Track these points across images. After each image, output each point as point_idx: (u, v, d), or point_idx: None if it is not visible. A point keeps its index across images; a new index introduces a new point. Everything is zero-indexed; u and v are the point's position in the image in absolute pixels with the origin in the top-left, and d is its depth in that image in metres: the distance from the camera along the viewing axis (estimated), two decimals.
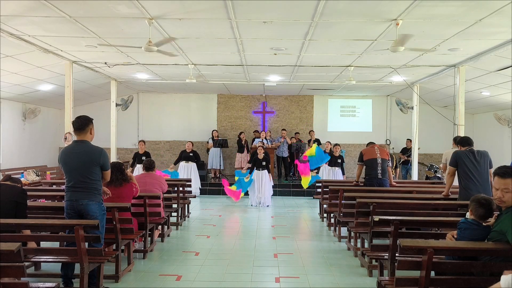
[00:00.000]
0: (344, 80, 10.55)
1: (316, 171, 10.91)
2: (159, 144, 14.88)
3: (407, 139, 13.28)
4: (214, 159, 13.29)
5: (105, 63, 9.18)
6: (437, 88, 11.54)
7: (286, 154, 13.41)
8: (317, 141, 13.28)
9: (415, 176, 11.49)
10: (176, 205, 7.68)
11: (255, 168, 10.10)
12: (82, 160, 4.13)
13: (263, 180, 10.01)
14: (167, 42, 7.07)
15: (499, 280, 2.41)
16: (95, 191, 4.20)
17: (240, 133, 13.65)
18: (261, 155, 10.03)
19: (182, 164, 11.27)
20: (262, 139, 12.66)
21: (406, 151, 13.05)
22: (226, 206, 10.06)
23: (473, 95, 11.12)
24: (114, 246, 4.87)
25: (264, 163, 10.05)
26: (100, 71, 10.24)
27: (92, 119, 4.29)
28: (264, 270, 5.15)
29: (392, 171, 9.15)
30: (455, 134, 8.92)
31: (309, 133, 13.92)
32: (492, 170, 5.44)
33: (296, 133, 14.16)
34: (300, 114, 15.01)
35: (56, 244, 5.47)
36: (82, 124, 4.20)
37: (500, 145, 12.36)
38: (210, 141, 13.42)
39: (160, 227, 6.48)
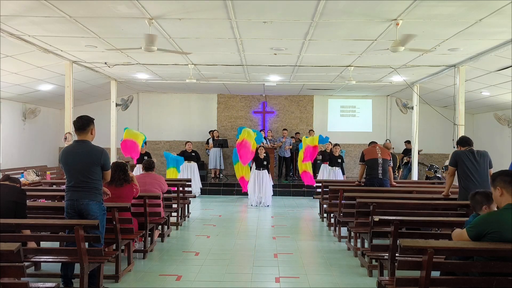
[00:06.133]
0: (344, 80, 10.55)
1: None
2: (159, 144, 14.87)
3: (406, 141, 13.34)
4: (214, 159, 13.31)
5: (105, 63, 9.18)
6: (437, 88, 11.54)
7: (288, 154, 13.42)
8: None
9: (415, 176, 11.50)
10: (176, 205, 7.68)
11: (255, 167, 10.10)
12: (83, 160, 4.13)
13: (264, 179, 10.01)
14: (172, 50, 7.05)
15: (499, 280, 2.42)
16: (96, 191, 4.20)
17: None
18: (262, 154, 10.03)
19: (183, 164, 11.27)
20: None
21: (408, 152, 13.08)
22: (226, 206, 10.05)
23: (473, 95, 11.12)
24: (114, 246, 4.86)
25: (265, 163, 10.05)
26: (100, 71, 10.24)
27: (93, 119, 4.29)
28: (264, 270, 5.15)
29: (396, 172, 9.16)
30: (455, 134, 8.91)
31: (308, 132, 13.91)
32: (492, 170, 5.48)
33: (296, 133, 14.17)
34: (300, 114, 15.01)
35: (56, 244, 5.47)
36: (84, 124, 4.19)
37: (500, 145, 12.36)
38: (210, 141, 13.42)
39: (160, 227, 6.48)
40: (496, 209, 3.35)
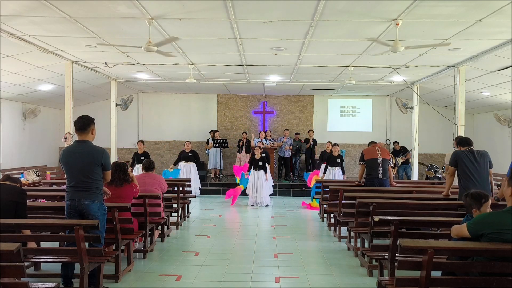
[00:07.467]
0: (344, 80, 10.55)
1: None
2: (159, 144, 14.88)
3: (395, 142, 13.41)
4: (214, 159, 13.30)
5: (105, 63, 9.18)
6: (437, 88, 11.54)
7: (288, 154, 13.41)
8: (315, 141, 13.32)
9: (415, 176, 11.49)
10: (176, 205, 7.68)
11: (252, 168, 10.10)
12: (84, 160, 4.13)
13: (259, 180, 9.99)
14: (167, 43, 7.07)
15: (499, 280, 2.42)
16: (97, 191, 4.20)
17: (242, 133, 13.62)
18: (258, 155, 10.02)
19: (182, 164, 11.26)
20: (261, 139, 12.67)
21: (397, 153, 13.13)
22: (226, 206, 10.05)
23: (473, 95, 11.12)
24: (114, 246, 4.86)
25: (260, 163, 10.02)
26: (100, 71, 10.24)
27: (94, 119, 4.29)
28: (264, 270, 5.15)
29: (393, 171, 9.19)
30: (455, 134, 8.91)
31: (308, 132, 13.91)
32: (492, 170, 5.48)
33: (296, 134, 14.16)
34: (300, 114, 15.01)
35: (56, 244, 5.47)
36: (84, 124, 4.19)
37: (500, 145, 12.36)
38: (210, 141, 13.41)
39: (160, 227, 6.48)
40: (488, 210, 3.40)
